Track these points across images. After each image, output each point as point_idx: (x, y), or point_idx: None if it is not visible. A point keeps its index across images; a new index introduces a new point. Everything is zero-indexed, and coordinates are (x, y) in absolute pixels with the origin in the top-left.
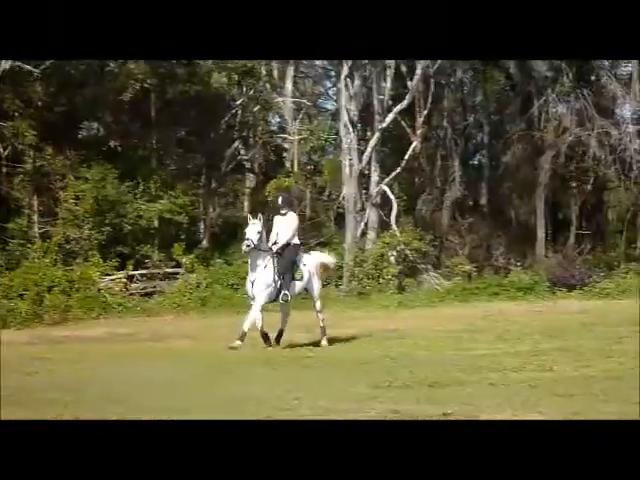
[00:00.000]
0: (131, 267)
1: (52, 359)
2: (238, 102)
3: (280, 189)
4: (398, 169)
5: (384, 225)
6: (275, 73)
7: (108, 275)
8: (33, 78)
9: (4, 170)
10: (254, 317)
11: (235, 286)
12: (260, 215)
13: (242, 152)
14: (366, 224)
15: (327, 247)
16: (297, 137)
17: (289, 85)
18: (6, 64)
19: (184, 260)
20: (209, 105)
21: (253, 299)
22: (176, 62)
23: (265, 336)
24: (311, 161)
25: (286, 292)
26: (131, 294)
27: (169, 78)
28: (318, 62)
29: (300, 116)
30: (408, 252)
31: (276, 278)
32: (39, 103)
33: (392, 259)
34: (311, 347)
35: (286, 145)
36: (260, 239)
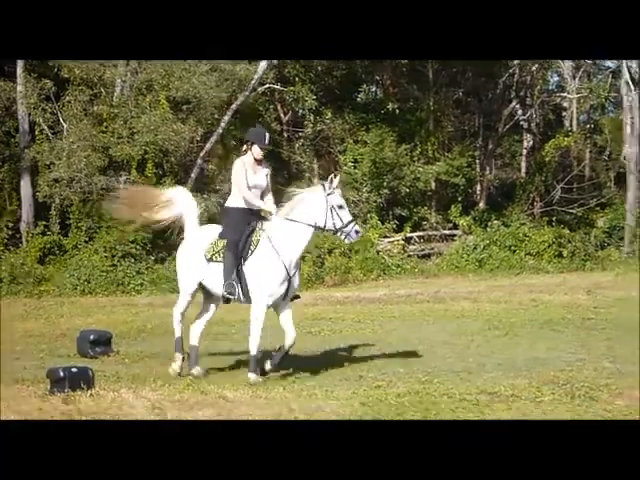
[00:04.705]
0: (409, 229)
1: (335, 319)
2: (516, 61)
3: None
4: None
5: None
6: None
7: (386, 237)
8: None
9: (285, 135)
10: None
11: (513, 248)
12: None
13: (520, 112)
14: None
15: (607, 208)
16: (576, 96)
17: None
18: None
19: (461, 222)
20: (486, 65)
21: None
22: None
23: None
24: (591, 120)
25: None
26: (409, 256)
27: None
28: None
29: (579, 74)
30: None
31: None
32: (319, 68)
33: None
34: (592, 308)
35: (565, 104)
36: None
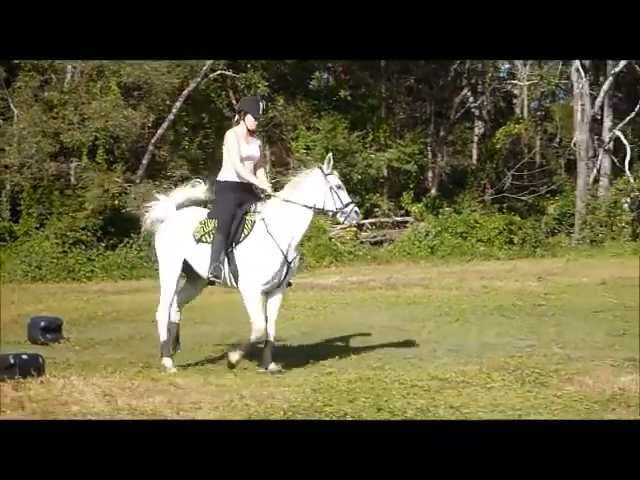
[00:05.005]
0: (361, 216)
1: (287, 306)
2: None
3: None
4: (632, 114)
5: (617, 171)
6: None
7: (339, 224)
8: None
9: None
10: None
11: (464, 235)
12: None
13: (471, 99)
14: (598, 171)
15: (557, 195)
16: (527, 83)
17: None
18: None
19: (413, 209)
20: None
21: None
22: None
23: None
24: (541, 107)
25: None
26: (361, 242)
27: None
28: None
29: (530, 62)
30: None
31: None
32: None
33: (626, 206)
34: (542, 295)
35: (516, 91)
36: None
